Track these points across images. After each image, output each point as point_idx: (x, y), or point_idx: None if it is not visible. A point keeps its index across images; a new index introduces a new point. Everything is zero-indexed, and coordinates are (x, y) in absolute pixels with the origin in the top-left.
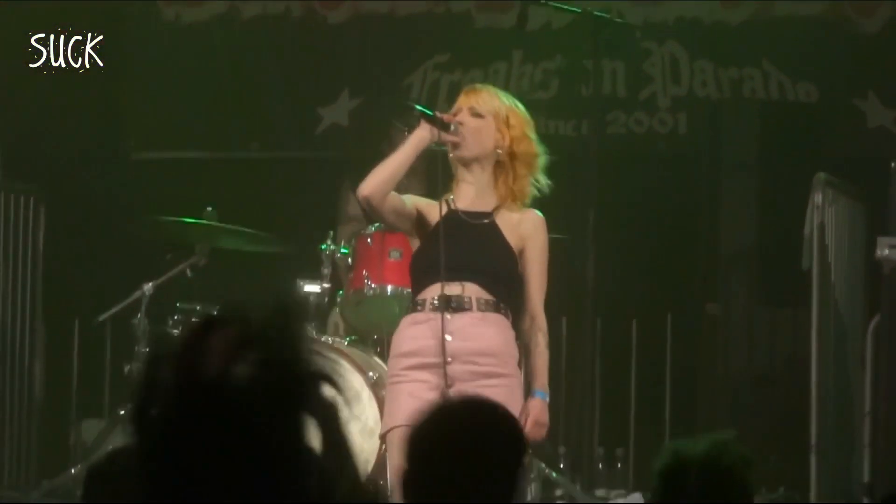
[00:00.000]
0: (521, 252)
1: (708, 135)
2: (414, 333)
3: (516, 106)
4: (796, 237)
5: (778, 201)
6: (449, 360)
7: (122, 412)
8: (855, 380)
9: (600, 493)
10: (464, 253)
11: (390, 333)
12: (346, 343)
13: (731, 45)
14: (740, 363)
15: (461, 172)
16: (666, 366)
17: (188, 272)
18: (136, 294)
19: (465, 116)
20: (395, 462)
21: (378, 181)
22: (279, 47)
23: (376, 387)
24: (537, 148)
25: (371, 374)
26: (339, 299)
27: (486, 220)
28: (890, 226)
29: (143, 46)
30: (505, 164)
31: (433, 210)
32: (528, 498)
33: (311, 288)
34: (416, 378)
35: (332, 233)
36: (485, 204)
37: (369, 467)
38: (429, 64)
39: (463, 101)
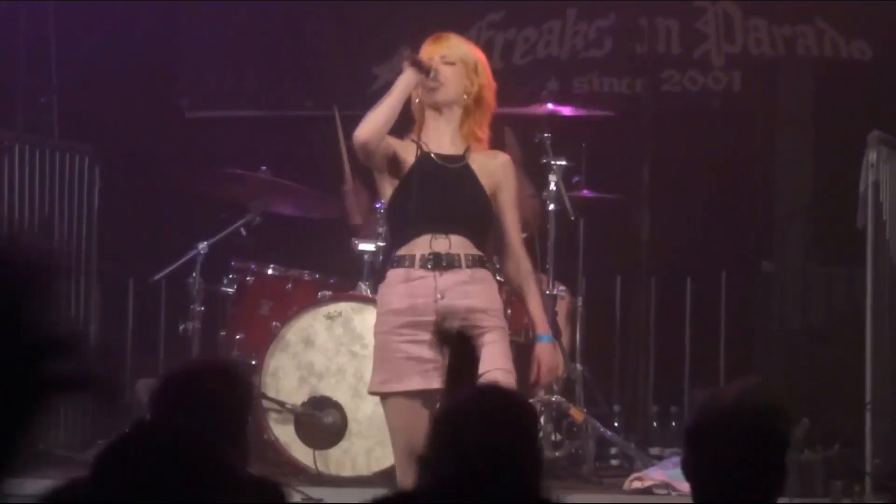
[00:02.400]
0: (495, 194)
1: (762, 93)
2: (406, 291)
3: (481, 54)
4: (851, 195)
5: (832, 159)
6: (441, 317)
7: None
8: None
9: (654, 451)
10: (445, 200)
11: None
12: None
13: (785, 2)
14: (795, 321)
15: (430, 116)
16: (720, 324)
17: (242, 231)
18: (191, 253)
19: (437, 63)
20: (398, 424)
21: (374, 125)
22: (333, 6)
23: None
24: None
25: None
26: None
27: (460, 164)
28: None
29: (197, 5)
30: (470, 109)
31: (406, 150)
32: (590, 452)
33: (366, 246)
34: (410, 337)
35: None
36: (455, 147)
37: None
38: (483, 22)
39: (433, 50)
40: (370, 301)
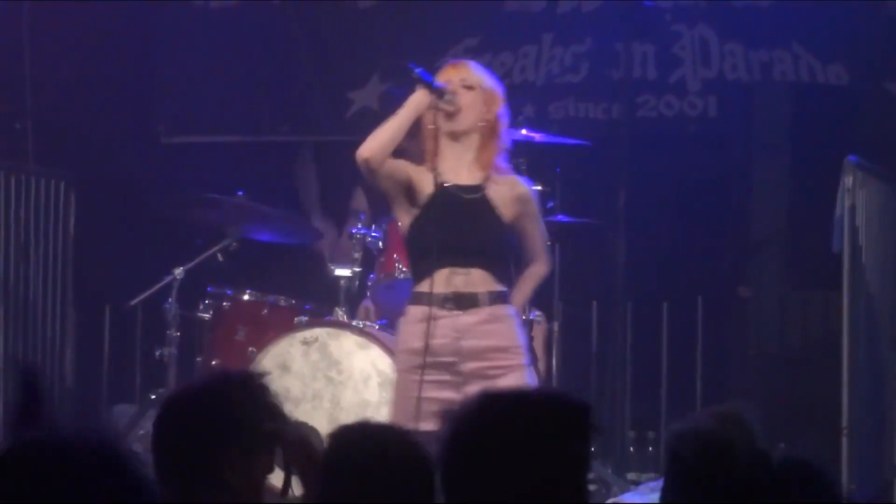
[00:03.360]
0: (518, 217)
1: (738, 118)
2: (425, 330)
3: (496, 85)
4: (827, 220)
5: (808, 184)
6: (462, 358)
7: (153, 396)
8: (886, 362)
9: (631, 476)
10: (464, 233)
11: None
12: (376, 327)
13: (761, 27)
14: (771, 346)
15: (445, 144)
16: (697, 349)
17: (219, 257)
18: (167, 279)
19: (457, 87)
20: None
21: (377, 144)
22: (309, 31)
23: None
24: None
25: None
26: (369, 283)
27: (478, 194)
28: None
29: (174, 30)
30: (486, 137)
31: (422, 178)
32: None
33: (342, 272)
34: (429, 378)
35: (362, 217)
36: (472, 177)
37: None
38: (459, 47)
39: (452, 74)
40: (346, 326)
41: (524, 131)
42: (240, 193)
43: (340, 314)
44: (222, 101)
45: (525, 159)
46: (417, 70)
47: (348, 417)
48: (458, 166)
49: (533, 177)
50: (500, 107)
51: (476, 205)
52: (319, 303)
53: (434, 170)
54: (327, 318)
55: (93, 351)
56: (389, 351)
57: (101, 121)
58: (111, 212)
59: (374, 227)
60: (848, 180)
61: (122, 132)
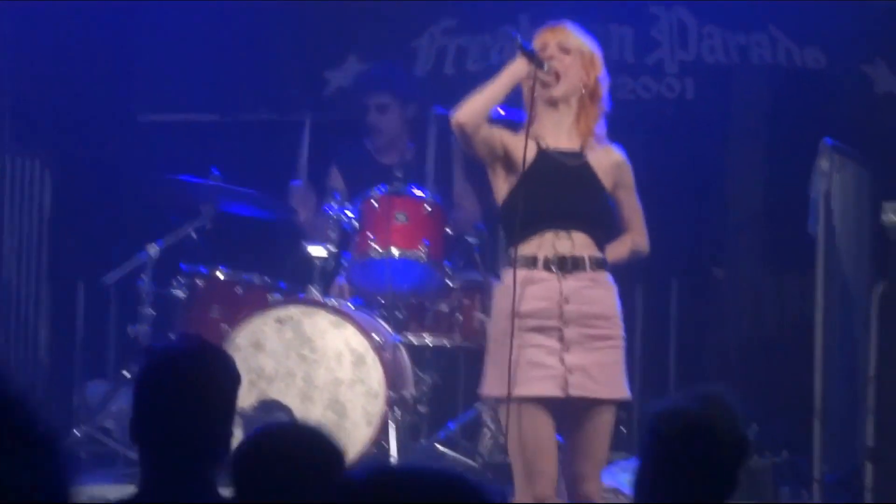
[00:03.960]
0: (616, 187)
1: (715, 100)
2: (530, 293)
3: (595, 48)
4: (803, 202)
5: (785, 167)
6: (565, 322)
7: (127, 374)
8: (860, 345)
9: None
10: (568, 198)
11: (395, 297)
12: (350, 306)
13: (739, 10)
14: (745, 328)
15: (544, 111)
16: (671, 331)
17: (193, 234)
18: (142, 256)
19: (555, 52)
20: (515, 432)
21: (473, 109)
22: (285, 9)
23: (381, 350)
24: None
25: (376, 337)
26: (344, 262)
27: (580, 161)
28: None
29: (150, 9)
30: (585, 103)
31: (520, 146)
32: None
33: (317, 251)
34: (533, 342)
35: (337, 195)
36: (571, 143)
37: (373, 429)
38: (436, 28)
39: (549, 37)
40: (320, 305)
41: (501, 111)
42: (214, 171)
43: (315, 293)
44: (198, 79)
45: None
46: (519, 38)
47: (321, 395)
48: (558, 132)
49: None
50: (600, 71)
51: (578, 171)
52: (294, 281)
53: (533, 135)
54: (301, 296)
55: (67, 328)
56: (363, 330)
57: (76, 99)
58: (86, 189)
59: (348, 205)
60: (824, 163)
61: (98, 110)
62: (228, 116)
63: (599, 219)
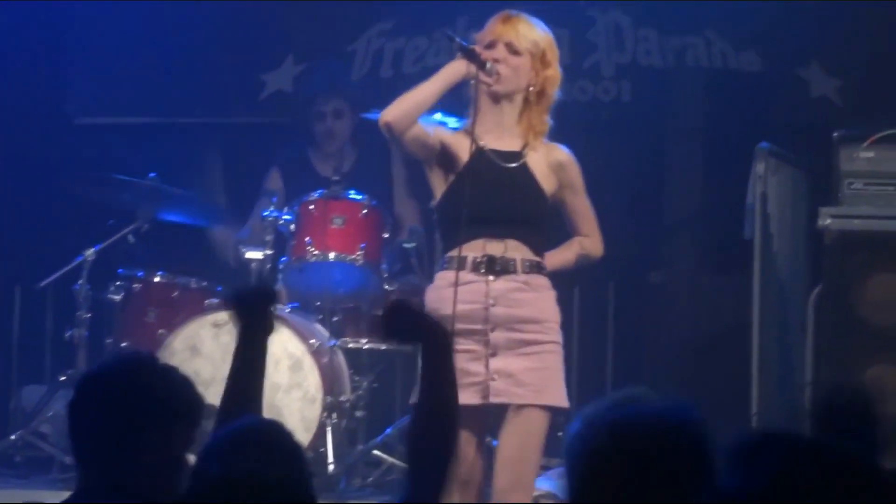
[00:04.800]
0: (561, 188)
1: (651, 103)
2: (458, 295)
3: (551, 39)
4: (739, 206)
5: (721, 170)
6: (491, 327)
7: (63, 377)
8: (796, 348)
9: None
10: (501, 202)
11: (332, 301)
12: (287, 310)
13: (675, 13)
14: (683, 331)
15: (486, 105)
16: (608, 335)
17: (130, 238)
18: (78, 260)
19: (501, 51)
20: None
21: (401, 109)
22: (223, 12)
23: (318, 354)
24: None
25: (313, 341)
26: (281, 266)
27: (517, 162)
28: (832, 195)
29: (86, 11)
30: (531, 102)
31: (459, 143)
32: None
33: (254, 254)
34: (459, 347)
35: (274, 199)
36: (511, 142)
37: (310, 435)
38: (373, 30)
39: (500, 32)
40: None
41: (439, 115)
42: (152, 175)
43: None
44: (134, 82)
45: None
46: (457, 39)
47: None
48: (498, 130)
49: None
50: (552, 69)
51: (513, 173)
52: (231, 285)
53: (472, 134)
54: None
55: (3, 332)
56: (300, 334)
57: (12, 102)
58: (22, 193)
59: (285, 209)
60: (760, 167)
61: (34, 113)
62: (167, 119)
63: (535, 223)
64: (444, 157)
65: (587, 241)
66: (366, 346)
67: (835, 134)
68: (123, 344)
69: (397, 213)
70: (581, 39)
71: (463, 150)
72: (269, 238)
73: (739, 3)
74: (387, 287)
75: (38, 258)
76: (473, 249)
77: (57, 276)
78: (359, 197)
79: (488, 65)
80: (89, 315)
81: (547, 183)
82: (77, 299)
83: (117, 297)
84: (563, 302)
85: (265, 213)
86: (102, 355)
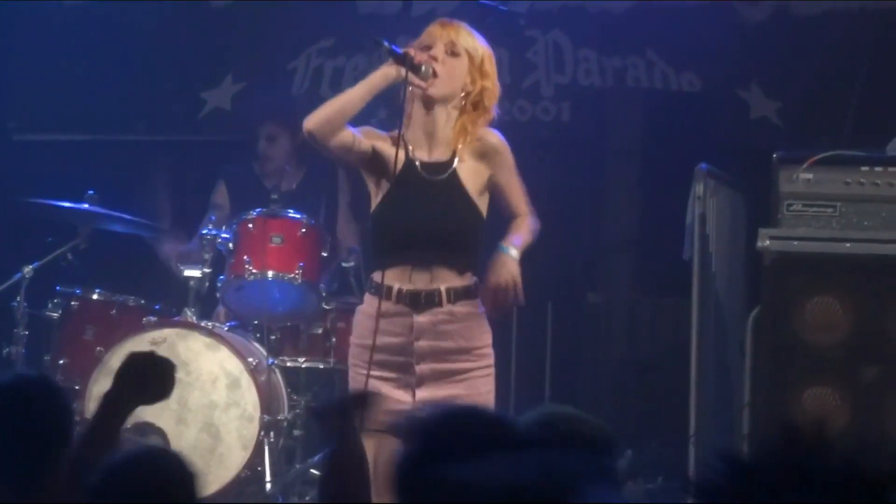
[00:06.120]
0: (495, 173)
1: (591, 123)
2: (380, 326)
3: (491, 53)
4: (678, 227)
5: (660, 191)
6: (417, 359)
7: None
8: (735, 370)
9: None
10: (428, 223)
11: (270, 319)
12: (226, 328)
13: (616, 33)
14: (621, 352)
15: (417, 113)
16: (546, 354)
17: (69, 256)
18: (16, 277)
19: (440, 52)
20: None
21: (324, 116)
22: (163, 30)
23: (255, 373)
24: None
25: (251, 360)
26: (219, 284)
27: (445, 174)
28: (771, 217)
29: (26, 27)
30: (466, 111)
31: (389, 150)
32: None
33: (192, 272)
34: (382, 375)
35: (213, 217)
36: (441, 151)
37: (247, 453)
38: (312, 49)
39: (439, 33)
40: (195, 327)
41: None
42: (90, 193)
43: (189, 315)
44: (75, 99)
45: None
46: (386, 44)
47: (195, 418)
48: (429, 141)
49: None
50: (490, 78)
51: (442, 186)
52: (169, 303)
53: (402, 142)
54: (176, 318)
55: None
56: (238, 353)
57: None
58: None
59: (224, 228)
60: (699, 188)
61: None
62: (106, 136)
63: (465, 242)
64: (375, 164)
65: (529, 219)
66: (304, 365)
67: (774, 155)
68: (61, 361)
69: (339, 233)
70: (521, 59)
71: (392, 161)
72: (207, 256)
73: (680, 24)
74: (325, 306)
75: None
76: (399, 279)
77: None
78: (297, 216)
79: (423, 68)
80: (27, 332)
81: (478, 186)
82: (15, 316)
83: (55, 315)
84: (502, 321)
85: (204, 231)
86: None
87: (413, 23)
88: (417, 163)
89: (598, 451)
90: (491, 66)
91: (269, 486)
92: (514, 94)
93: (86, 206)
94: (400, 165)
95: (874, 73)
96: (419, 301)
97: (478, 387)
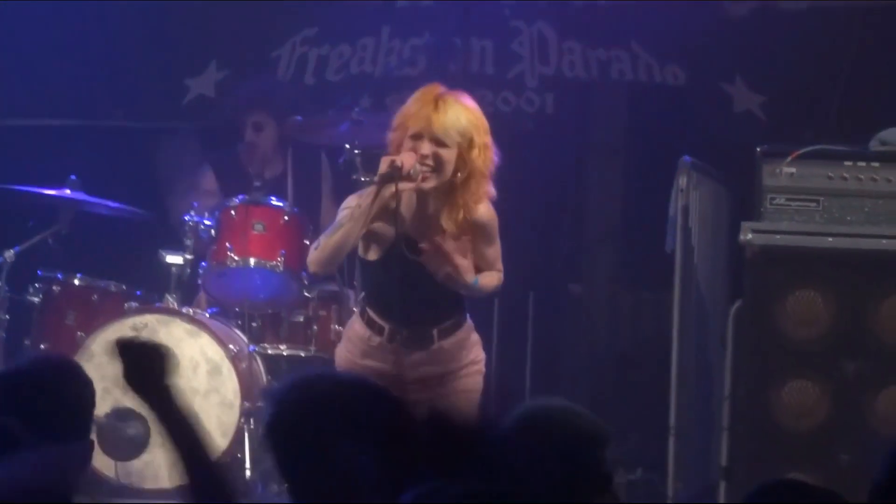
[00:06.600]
0: (477, 243)
1: (575, 115)
2: (373, 354)
3: (479, 119)
4: (660, 220)
5: (643, 183)
6: (404, 385)
7: None
8: (715, 363)
9: None
10: (413, 299)
11: (252, 306)
12: (207, 315)
13: (600, 26)
14: (602, 344)
15: (407, 198)
16: (527, 345)
17: (50, 240)
18: None
19: (427, 147)
20: None
21: (326, 258)
22: (147, 17)
23: (236, 360)
24: (493, 157)
25: (232, 346)
26: (201, 271)
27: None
28: (754, 211)
29: (7, 13)
30: (457, 186)
31: (380, 228)
32: None
33: (174, 259)
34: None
35: (195, 203)
36: (430, 230)
37: (227, 440)
38: (297, 38)
39: (425, 125)
40: (176, 313)
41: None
42: (72, 178)
43: (171, 301)
44: (58, 85)
45: (360, 151)
46: (377, 178)
47: None
48: (420, 218)
49: (368, 168)
50: (480, 156)
51: (423, 267)
52: (150, 289)
53: (391, 221)
54: (157, 304)
55: None
56: (219, 339)
57: None
58: None
59: (206, 214)
60: (682, 180)
61: None
62: (88, 122)
63: (447, 303)
64: (368, 237)
65: (498, 275)
66: (285, 353)
67: (758, 149)
68: (42, 346)
69: (323, 220)
70: (506, 50)
71: (383, 234)
72: (188, 242)
73: (665, 17)
74: (306, 294)
75: None
76: (390, 324)
77: None
78: (280, 204)
79: (413, 170)
80: (7, 316)
81: (462, 255)
82: None
83: (36, 299)
84: (483, 311)
85: (186, 218)
86: (19, 356)
87: (397, 13)
88: (402, 241)
89: (593, 444)
90: (480, 139)
91: (248, 473)
92: (498, 86)
93: (68, 191)
94: (387, 245)
95: (858, 68)
96: (411, 342)
97: (469, 385)
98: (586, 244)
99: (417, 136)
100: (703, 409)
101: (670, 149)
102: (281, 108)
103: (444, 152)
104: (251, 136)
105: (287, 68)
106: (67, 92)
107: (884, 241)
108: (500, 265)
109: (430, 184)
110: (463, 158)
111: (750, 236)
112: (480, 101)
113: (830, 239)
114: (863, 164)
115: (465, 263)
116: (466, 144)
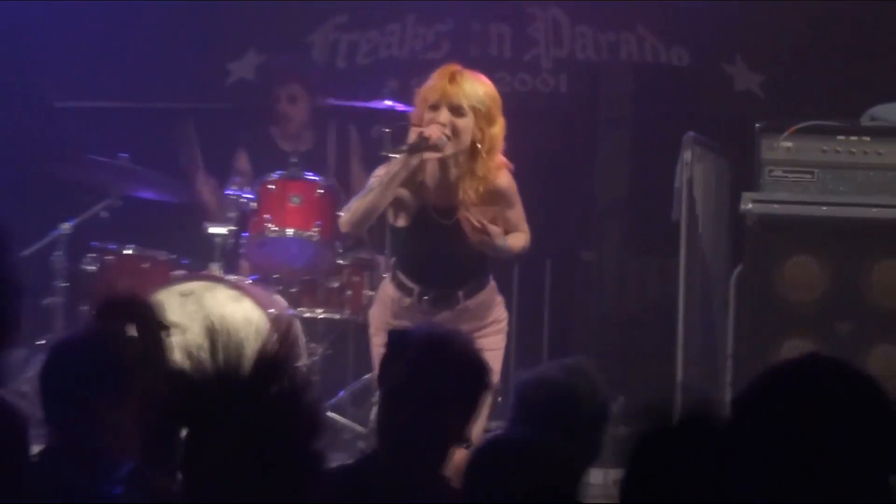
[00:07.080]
0: (500, 209)
1: (587, 94)
2: (401, 313)
3: (493, 92)
4: (667, 190)
5: (650, 157)
6: None
7: (41, 342)
8: (718, 324)
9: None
10: (439, 263)
11: (290, 273)
12: (249, 282)
13: (610, 10)
14: (612, 307)
15: (432, 161)
16: (545, 307)
17: (103, 213)
18: (55, 233)
19: (445, 115)
20: None
21: (358, 219)
22: (191, 6)
23: (276, 321)
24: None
25: (272, 310)
26: (242, 241)
27: (452, 220)
28: (753, 182)
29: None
30: (476, 155)
31: (406, 197)
32: None
33: (217, 230)
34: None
35: (237, 179)
36: (451, 197)
37: None
38: (328, 24)
39: (442, 95)
40: (220, 280)
41: (388, 102)
42: (123, 155)
43: (215, 269)
44: (109, 68)
45: (390, 130)
46: (404, 148)
47: None
48: (443, 186)
49: (397, 142)
50: (496, 122)
51: (451, 230)
52: (196, 258)
53: (417, 189)
54: (203, 272)
55: None
56: (261, 304)
57: None
58: (3, 171)
59: (247, 188)
60: (687, 154)
61: (14, 97)
62: (137, 103)
63: (472, 268)
64: (396, 203)
65: (524, 237)
66: (321, 316)
67: (757, 125)
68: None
69: (353, 192)
70: (522, 35)
71: (409, 203)
72: (231, 215)
73: (670, 1)
74: (340, 262)
75: (20, 231)
76: (419, 285)
77: (37, 247)
78: (315, 178)
79: (440, 141)
80: (66, 284)
81: (490, 226)
82: (54, 269)
83: (92, 268)
84: (504, 277)
85: (228, 192)
86: (77, 321)
87: (421, 3)
88: (431, 207)
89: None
90: (497, 108)
91: None
92: (515, 68)
93: (120, 166)
94: (413, 211)
95: (852, 48)
96: (438, 303)
97: (490, 343)
98: (597, 214)
99: (435, 106)
100: (707, 367)
101: (675, 125)
102: (314, 83)
103: (460, 122)
104: (285, 106)
105: (321, 53)
106: (120, 76)
107: (874, 209)
108: (524, 226)
109: (448, 151)
110: (480, 129)
111: (750, 206)
112: (499, 83)
113: (825, 208)
114: (855, 138)
115: (494, 228)
116: (483, 113)
